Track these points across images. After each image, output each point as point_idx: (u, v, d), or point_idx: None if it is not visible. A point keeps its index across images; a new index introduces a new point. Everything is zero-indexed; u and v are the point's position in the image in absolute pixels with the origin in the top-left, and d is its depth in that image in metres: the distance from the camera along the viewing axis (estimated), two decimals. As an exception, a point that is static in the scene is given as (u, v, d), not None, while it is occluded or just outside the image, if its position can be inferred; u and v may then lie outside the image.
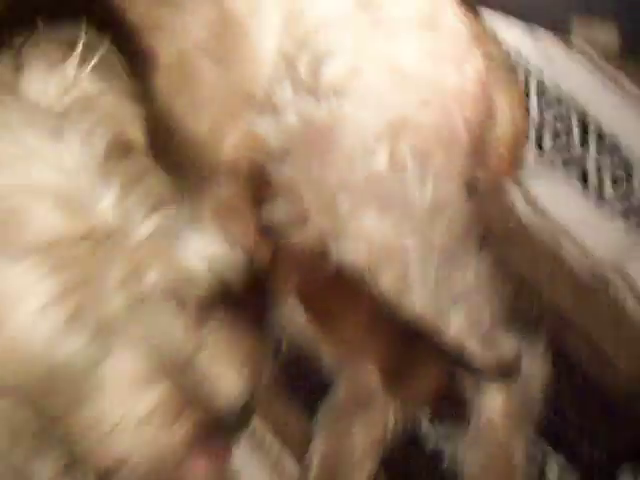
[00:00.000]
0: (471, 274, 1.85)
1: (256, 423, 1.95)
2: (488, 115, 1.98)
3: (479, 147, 1.98)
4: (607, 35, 2.33)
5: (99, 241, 1.29)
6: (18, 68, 1.45)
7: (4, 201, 1.31)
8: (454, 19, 1.93)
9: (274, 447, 1.95)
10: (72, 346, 1.29)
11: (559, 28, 2.36)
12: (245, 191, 1.92)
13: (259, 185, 1.88)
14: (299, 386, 1.99)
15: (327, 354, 1.93)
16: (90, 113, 1.45)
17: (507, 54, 2.32)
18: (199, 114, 1.86)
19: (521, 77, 2.31)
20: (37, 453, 1.69)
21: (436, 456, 1.93)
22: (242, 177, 1.93)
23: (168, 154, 1.60)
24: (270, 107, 1.87)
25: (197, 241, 1.43)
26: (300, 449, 1.92)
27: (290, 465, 1.93)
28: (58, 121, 1.38)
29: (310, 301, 1.89)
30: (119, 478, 1.50)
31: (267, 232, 1.90)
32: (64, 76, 1.44)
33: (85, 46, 1.46)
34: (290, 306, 1.94)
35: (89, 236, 1.30)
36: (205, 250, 1.46)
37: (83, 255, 1.30)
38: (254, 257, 1.89)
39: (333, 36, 1.85)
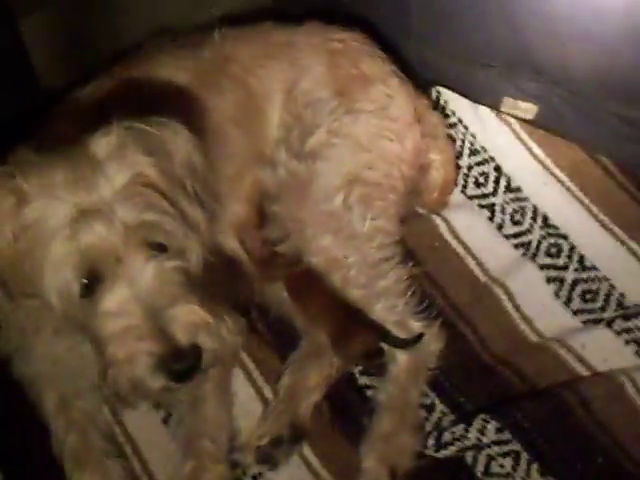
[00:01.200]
0: (392, 278, 2.42)
1: (246, 362, 2.50)
2: (423, 170, 2.57)
3: (415, 190, 2.58)
4: (526, 112, 2.77)
5: None
6: None
7: None
8: (402, 108, 2.50)
9: (259, 379, 2.49)
10: None
11: (493, 105, 2.79)
12: (254, 215, 2.51)
13: (261, 213, 2.49)
14: (280, 339, 2.53)
15: (299, 321, 2.50)
16: None
17: (447, 124, 2.77)
18: (229, 162, 2.45)
19: (459, 140, 2.77)
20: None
21: (363, 391, 2.46)
22: (253, 205, 2.51)
23: (211, 186, 2.21)
24: (271, 163, 2.48)
25: None
26: (275, 382, 2.47)
27: (268, 392, 2.47)
28: None
29: (291, 287, 2.45)
30: None
31: (266, 243, 2.49)
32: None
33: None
34: (278, 289, 2.49)
35: None
36: None
37: None
38: (257, 257, 2.50)
39: (318, 116, 2.45)
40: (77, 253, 1.81)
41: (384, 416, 2.37)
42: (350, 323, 2.40)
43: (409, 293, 2.45)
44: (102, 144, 1.91)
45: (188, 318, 1.87)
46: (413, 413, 2.40)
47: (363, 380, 2.51)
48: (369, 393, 2.48)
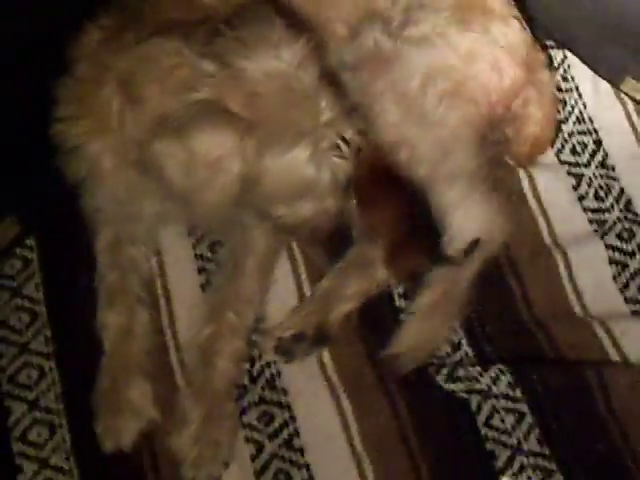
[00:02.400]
0: (461, 160, 2.41)
1: (295, 254, 2.56)
2: (519, 120, 2.53)
3: (505, 138, 2.55)
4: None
5: None
6: None
7: None
8: (513, 47, 2.45)
9: (302, 274, 2.54)
10: None
11: (613, 82, 2.76)
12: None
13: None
14: (333, 243, 2.54)
15: (357, 228, 2.49)
16: None
17: (563, 87, 2.78)
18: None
19: (570, 106, 2.75)
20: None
21: (397, 312, 2.48)
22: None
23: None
24: (356, 32, 2.45)
25: None
26: (318, 279, 2.52)
27: (307, 289, 2.52)
28: None
29: (360, 189, 2.39)
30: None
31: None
32: None
33: None
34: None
35: None
36: None
37: None
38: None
39: (428, 17, 2.42)
40: None
41: (428, 292, 2.43)
42: (409, 240, 2.42)
43: (481, 176, 2.44)
44: None
45: None
46: (461, 293, 2.43)
47: (400, 303, 2.52)
48: (402, 317, 2.49)
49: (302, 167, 2.09)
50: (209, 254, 2.59)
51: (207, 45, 2.03)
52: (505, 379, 2.33)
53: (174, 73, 2.01)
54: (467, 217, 2.41)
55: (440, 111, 2.38)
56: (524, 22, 2.57)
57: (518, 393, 2.32)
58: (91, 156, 2.24)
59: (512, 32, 2.48)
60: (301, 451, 2.37)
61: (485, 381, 2.34)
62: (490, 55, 2.43)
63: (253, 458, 2.37)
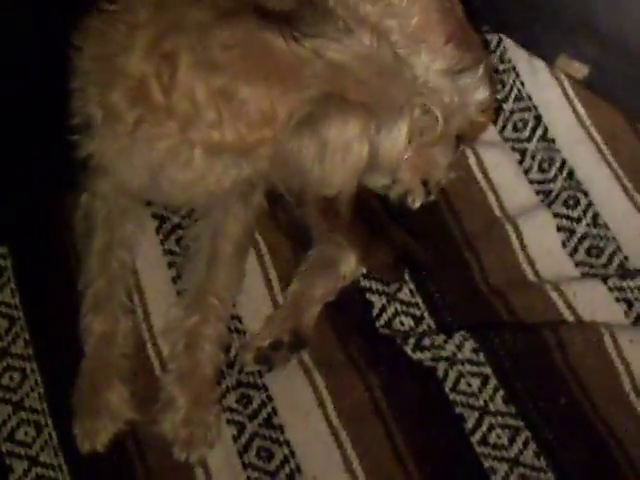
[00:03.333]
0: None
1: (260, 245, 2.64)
2: None
3: None
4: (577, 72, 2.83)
5: None
6: None
7: None
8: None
9: (268, 263, 2.64)
10: None
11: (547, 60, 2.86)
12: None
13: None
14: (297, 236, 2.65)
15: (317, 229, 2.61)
16: None
17: (501, 69, 2.88)
18: None
19: (509, 85, 2.85)
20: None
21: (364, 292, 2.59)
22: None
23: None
24: None
25: None
26: (284, 272, 2.63)
27: (274, 276, 2.63)
28: None
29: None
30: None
31: None
32: None
33: None
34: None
35: None
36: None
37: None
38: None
39: None
40: None
41: None
42: (372, 239, 2.56)
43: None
44: None
45: None
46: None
47: (365, 283, 2.63)
48: (368, 295, 2.61)
49: (404, 138, 2.21)
50: (177, 249, 2.68)
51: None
52: (469, 345, 2.44)
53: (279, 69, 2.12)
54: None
55: None
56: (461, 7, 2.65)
57: (482, 357, 2.43)
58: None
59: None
60: (281, 428, 2.46)
61: (450, 348, 2.44)
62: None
63: (235, 439, 2.46)
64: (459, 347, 2.45)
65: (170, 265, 2.66)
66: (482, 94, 2.51)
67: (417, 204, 2.50)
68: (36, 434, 2.49)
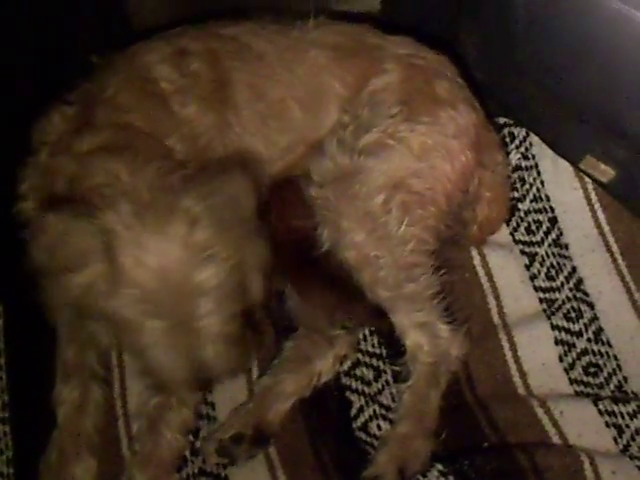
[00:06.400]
0: (422, 284, 2.43)
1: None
2: (474, 201, 2.60)
3: (461, 219, 2.60)
4: (603, 174, 2.70)
5: None
6: None
7: None
8: (462, 131, 2.51)
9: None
10: None
11: (573, 160, 2.75)
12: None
13: (292, 193, 2.56)
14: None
15: (297, 309, 2.58)
16: None
17: (523, 165, 2.80)
18: (285, 135, 2.56)
19: (528, 184, 2.76)
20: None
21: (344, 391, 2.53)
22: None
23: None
24: (320, 152, 2.52)
25: None
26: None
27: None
28: None
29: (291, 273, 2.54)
30: None
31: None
32: None
33: None
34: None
35: None
36: None
37: None
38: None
39: (377, 117, 2.48)
40: None
41: (402, 419, 2.40)
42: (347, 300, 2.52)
43: (438, 299, 2.46)
44: None
45: None
46: (432, 417, 2.41)
47: (345, 380, 2.57)
48: (349, 395, 2.54)
49: None
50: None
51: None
52: (435, 470, 2.32)
53: None
54: (424, 338, 2.44)
55: (402, 230, 2.43)
56: (476, 102, 2.62)
57: (450, 480, 2.32)
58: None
59: (460, 116, 2.52)
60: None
61: (415, 474, 2.35)
62: (440, 145, 2.48)
63: (191, 528, 2.42)
64: (424, 474, 2.33)
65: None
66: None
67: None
68: (-3, 498, 2.49)
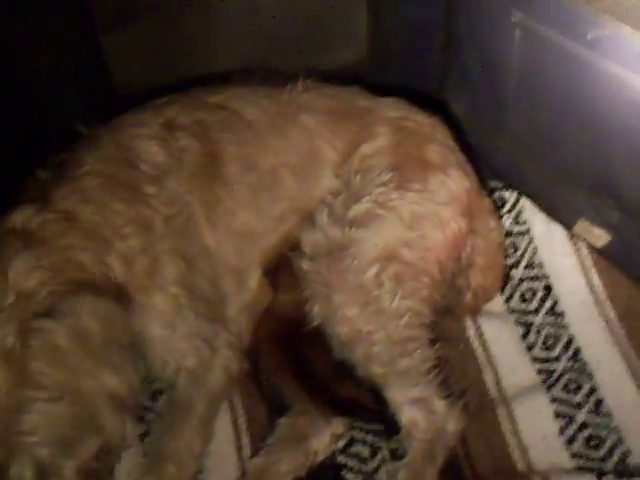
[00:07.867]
0: (417, 358, 2.37)
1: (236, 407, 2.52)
2: (467, 268, 2.54)
3: (455, 286, 2.55)
4: (597, 239, 2.67)
5: None
6: None
7: None
8: (454, 198, 2.47)
9: (242, 426, 2.50)
10: None
11: (566, 223, 2.71)
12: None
13: (283, 266, 2.51)
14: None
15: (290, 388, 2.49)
16: None
17: (515, 231, 2.76)
18: (277, 203, 2.54)
19: (521, 250, 2.72)
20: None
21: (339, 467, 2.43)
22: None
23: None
24: (311, 222, 2.48)
25: None
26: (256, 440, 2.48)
27: (246, 441, 2.49)
28: None
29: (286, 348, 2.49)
30: None
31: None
32: None
33: None
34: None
35: None
36: None
37: None
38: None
39: (367, 184, 2.45)
40: None
41: None
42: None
43: (433, 374, 2.40)
44: None
45: None
46: None
47: (341, 459, 2.47)
48: (344, 473, 2.44)
49: None
50: (150, 403, 2.55)
51: None
52: None
53: None
54: (419, 414, 2.38)
55: (396, 303, 2.38)
56: (468, 166, 2.59)
57: None
58: None
59: (452, 182, 2.48)
60: None
61: None
62: (432, 213, 2.44)
63: None
64: None
65: (139, 420, 2.51)
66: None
67: None
68: None
